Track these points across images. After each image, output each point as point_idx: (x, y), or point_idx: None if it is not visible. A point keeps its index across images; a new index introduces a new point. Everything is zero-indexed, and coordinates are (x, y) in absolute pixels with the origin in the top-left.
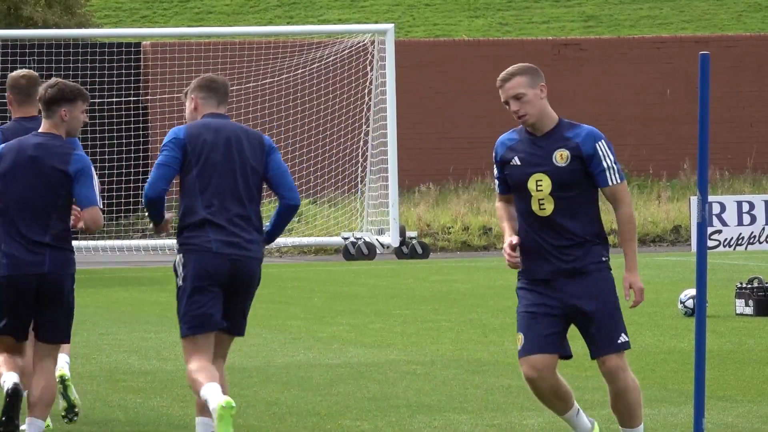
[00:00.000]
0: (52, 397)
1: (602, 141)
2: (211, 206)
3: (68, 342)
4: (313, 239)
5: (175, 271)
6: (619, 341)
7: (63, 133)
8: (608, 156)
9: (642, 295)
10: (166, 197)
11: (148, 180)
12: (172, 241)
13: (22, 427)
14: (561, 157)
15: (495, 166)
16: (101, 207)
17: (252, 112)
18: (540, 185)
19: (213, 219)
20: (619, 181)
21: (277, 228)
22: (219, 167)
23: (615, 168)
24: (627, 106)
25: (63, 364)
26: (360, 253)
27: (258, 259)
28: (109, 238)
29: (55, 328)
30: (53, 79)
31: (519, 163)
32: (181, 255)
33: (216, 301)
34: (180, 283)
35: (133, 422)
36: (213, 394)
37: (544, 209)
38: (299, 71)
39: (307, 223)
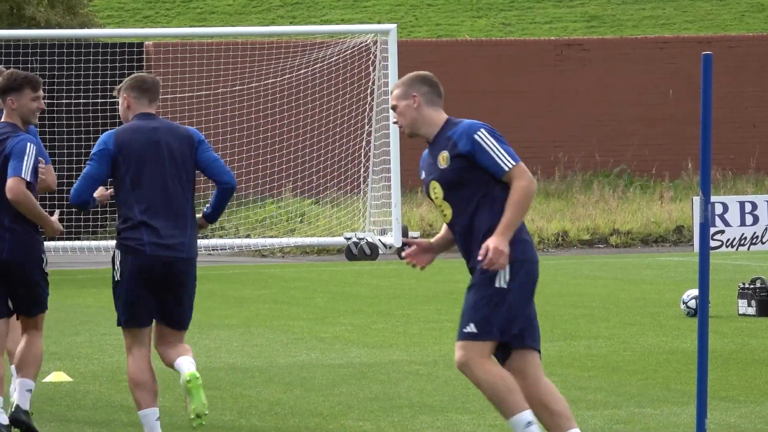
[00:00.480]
0: (35, 360)
1: (481, 130)
2: (147, 210)
3: (44, 311)
4: (316, 239)
5: (113, 264)
6: (465, 329)
7: (18, 122)
8: (492, 144)
9: (492, 254)
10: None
11: (74, 186)
12: None
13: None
14: (443, 159)
15: None
16: (28, 179)
17: (254, 113)
18: (435, 192)
19: (148, 222)
20: (512, 163)
21: (217, 210)
22: (151, 171)
23: (503, 152)
24: (629, 106)
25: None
26: (362, 253)
27: (190, 259)
28: (113, 237)
29: (28, 304)
30: (8, 71)
31: (423, 176)
32: (118, 251)
33: (146, 299)
34: (117, 277)
35: (135, 423)
36: (149, 420)
37: (446, 215)
38: (302, 71)
39: (309, 224)
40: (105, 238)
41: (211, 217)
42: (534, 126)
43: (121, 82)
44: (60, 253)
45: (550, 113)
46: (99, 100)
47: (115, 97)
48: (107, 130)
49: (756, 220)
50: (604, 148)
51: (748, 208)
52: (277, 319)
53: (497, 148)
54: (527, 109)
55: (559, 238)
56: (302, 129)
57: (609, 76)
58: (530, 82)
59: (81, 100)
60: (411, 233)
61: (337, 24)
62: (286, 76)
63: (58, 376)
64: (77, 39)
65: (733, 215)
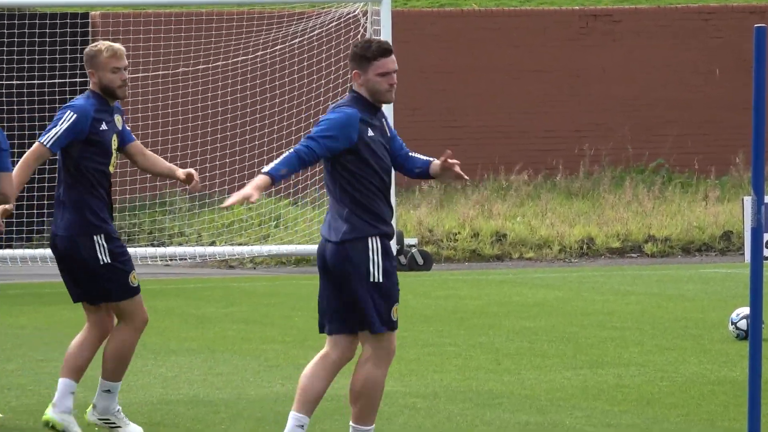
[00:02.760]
0: None
1: None
2: None
3: None
4: (294, 247)
5: None
6: None
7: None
8: None
9: None
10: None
11: None
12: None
13: None
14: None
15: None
16: None
17: (221, 96)
18: None
19: None
20: None
21: None
22: None
23: None
24: (668, 88)
25: None
26: None
27: None
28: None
29: None
30: None
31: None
32: None
33: None
34: None
35: None
36: None
37: None
38: (277, 47)
39: (286, 228)
40: (42, 246)
41: None
42: (554, 112)
43: (63, 57)
44: None
45: (573, 97)
46: (36, 81)
47: (57, 81)
48: (46, 117)
49: None
50: (638, 138)
51: None
52: (247, 342)
53: None
54: (546, 92)
55: (584, 246)
56: (278, 116)
57: (643, 53)
58: (550, 59)
59: (17, 81)
60: (407, 240)
61: None
62: (259, 53)
63: None
64: (11, 8)
65: None
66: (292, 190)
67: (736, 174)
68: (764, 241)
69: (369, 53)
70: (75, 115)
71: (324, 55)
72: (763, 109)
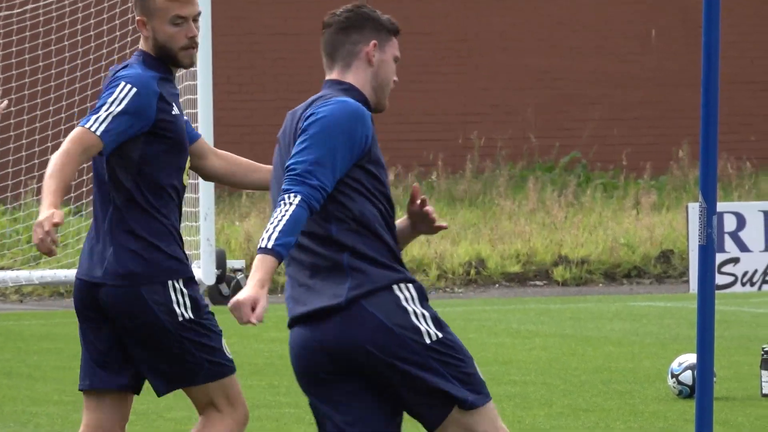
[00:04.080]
0: None
1: None
2: None
3: None
4: (75, 272)
5: None
6: None
7: None
8: None
9: None
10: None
11: None
12: None
13: None
14: None
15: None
16: None
17: None
18: None
19: None
20: None
21: None
22: None
23: None
24: (587, 57)
25: None
26: None
27: None
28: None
29: None
30: None
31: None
32: None
33: None
34: None
35: None
36: None
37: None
38: (40, 3)
39: (65, 247)
40: None
41: None
42: (434, 89)
43: None
44: None
45: (459, 69)
46: None
47: None
48: None
49: None
50: (546, 125)
51: None
52: (10, 402)
53: None
54: (424, 63)
55: (472, 271)
56: (41, 98)
57: (554, 11)
58: (430, 20)
59: None
60: (231, 263)
61: None
62: (16, 11)
63: None
64: None
65: (753, 233)
66: (73, 195)
67: (678, 173)
68: (716, 264)
69: (390, 25)
70: (135, 89)
71: (105, 10)
72: (715, 85)
